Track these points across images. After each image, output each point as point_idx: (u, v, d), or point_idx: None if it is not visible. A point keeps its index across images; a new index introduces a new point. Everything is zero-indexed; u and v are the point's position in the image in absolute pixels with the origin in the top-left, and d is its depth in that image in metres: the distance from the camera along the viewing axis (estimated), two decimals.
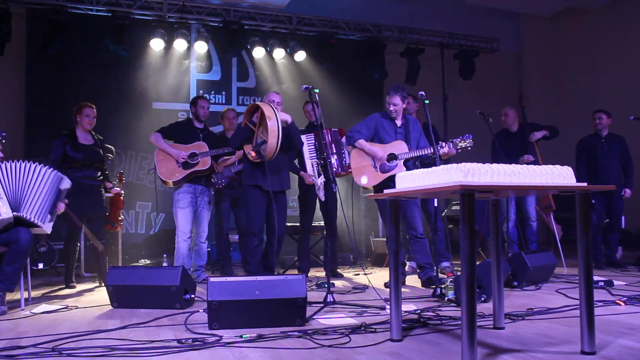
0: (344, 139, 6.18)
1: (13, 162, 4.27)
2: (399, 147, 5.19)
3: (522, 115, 6.82)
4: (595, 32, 10.29)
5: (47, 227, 4.41)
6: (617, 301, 3.96)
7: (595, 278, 4.77)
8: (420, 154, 5.09)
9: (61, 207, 4.60)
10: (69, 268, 5.70)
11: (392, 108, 5.23)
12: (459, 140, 5.04)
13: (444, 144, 5.08)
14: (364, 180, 5.25)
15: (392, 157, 5.16)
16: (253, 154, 4.91)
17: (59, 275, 6.64)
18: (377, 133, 5.31)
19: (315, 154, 6.06)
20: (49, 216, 4.41)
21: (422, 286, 5.13)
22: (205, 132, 6.04)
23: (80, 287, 5.64)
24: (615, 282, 4.93)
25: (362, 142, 5.24)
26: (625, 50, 9.66)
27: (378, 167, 5.18)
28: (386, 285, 5.19)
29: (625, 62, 9.61)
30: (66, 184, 4.59)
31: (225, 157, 6.07)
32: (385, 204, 4.69)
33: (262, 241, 5.05)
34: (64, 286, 5.62)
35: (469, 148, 5.04)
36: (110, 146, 6.33)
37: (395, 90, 5.23)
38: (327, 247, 5.41)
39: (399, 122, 5.32)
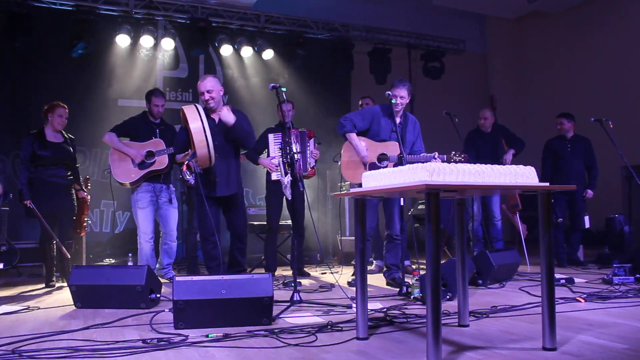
0: (311, 141, 6.15)
1: None
2: (393, 149, 4.99)
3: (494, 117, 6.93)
4: (558, 35, 10.52)
5: None
6: (578, 298, 4.07)
7: (557, 276, 4.88)
8: (413, 160, 4.90)
9: None
10: (47, 267, 5.59)
11: (398, 101, 4.96)
12: (454, 154, 4.91)
13: (436, 154, 4.95)
14: (348, 176, 5.11)
15: (383, 157, 5.03)
16: (184, 168, 4.43)
17: (19, 276, 6.49)
18: (371, 127, 5.10)
19: (281, 153, 5.96)
20: None
21: (387, 285, 5.18)
22: (162, 127, 5.83)
23: (41, 287, 5.51)
24: (576, 280, 5.04)
25: (352, 136, 5.03)
26: (587, 53, 9.90)
27: (367, 166, 4.99)
28: (350, 284, 5.22)
29: (587, 65, 9.85)
30: None
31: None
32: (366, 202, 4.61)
33: (216, 244, 4.93)
34: (44, 285, 5.51)
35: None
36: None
37: (402, 82, 5.00)
38: (294, 245, 5.39)
39: (397, 120, 5.07)
